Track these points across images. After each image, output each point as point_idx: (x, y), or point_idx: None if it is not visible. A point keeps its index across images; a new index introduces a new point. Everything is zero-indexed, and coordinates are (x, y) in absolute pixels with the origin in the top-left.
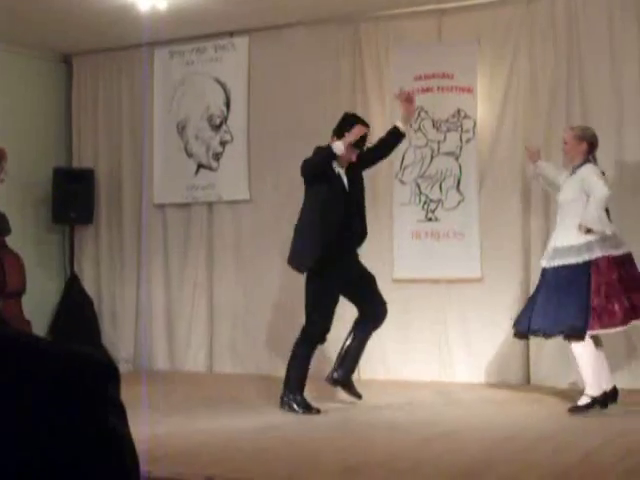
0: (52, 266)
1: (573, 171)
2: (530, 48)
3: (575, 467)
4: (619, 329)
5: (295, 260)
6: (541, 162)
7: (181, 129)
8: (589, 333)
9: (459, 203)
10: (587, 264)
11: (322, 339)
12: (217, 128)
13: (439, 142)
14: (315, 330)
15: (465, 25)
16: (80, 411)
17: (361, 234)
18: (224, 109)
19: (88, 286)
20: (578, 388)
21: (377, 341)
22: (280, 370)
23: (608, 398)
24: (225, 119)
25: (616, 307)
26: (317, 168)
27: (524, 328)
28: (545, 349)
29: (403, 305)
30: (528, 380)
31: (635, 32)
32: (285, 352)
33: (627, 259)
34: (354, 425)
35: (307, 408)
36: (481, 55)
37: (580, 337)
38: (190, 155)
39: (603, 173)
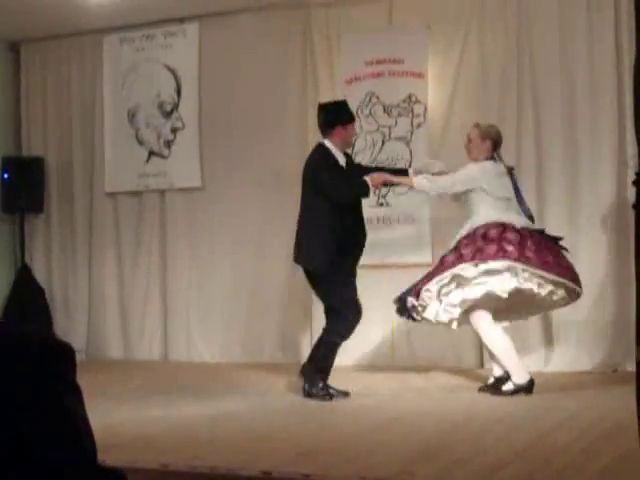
0: (2, 256)
1: None
2: (480, 33)
3: (530, 449)
4: None
5: (310, 262)
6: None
7: (132, 116)
8: None
9: (410, 188)
10: None
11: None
12: (168, 115)
13: (390, 127)
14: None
15: (416, 10)
16: (35, 391)
17: (365, 234)
18: (175, 96)
19: (39, 276)
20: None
21: None
22: (234, 357)
23: None
24: (176, 106)
25: None
26: (355, 199)
27: None
28: None
29: None
30: (481, 364)
31: (584, 17)
32: (239, 339)
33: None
34: (309, 411)
35: (338, 393)
36: (432, 40)
37: None
38: (141, 143)
39: (512, 169)
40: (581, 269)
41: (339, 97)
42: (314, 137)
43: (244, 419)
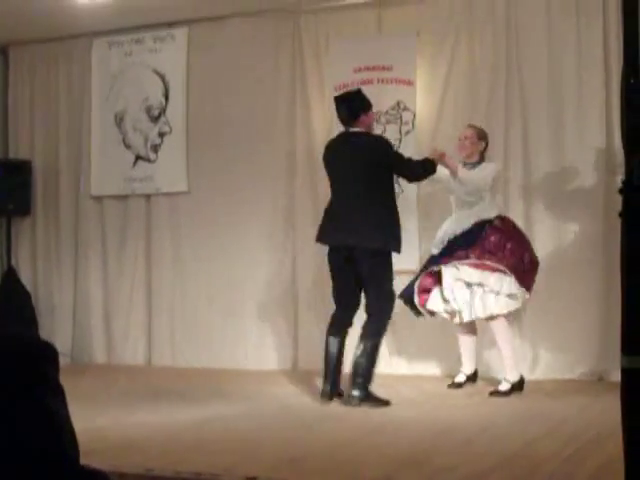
0: None
1: (472, 167)
2: (469, 40)
3: (516, 456)
4: None
5: (394, 244)
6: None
7: (119, 120)
8: None
9: (398, 195)
10: None
11: None
12: (155, 119)
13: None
14: (393, 306)
15: (404, 17)
16: (17, 390)
17: None
18: (163, 100)
19: (25, 279)
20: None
21: (318, 333)
22: (219, 362)
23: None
24: (164, 110)
25: None
26: (426, 177)
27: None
28: (484, 342)
29: None
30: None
31: (573, 22)
32: (224, 344)
33: None
34: (295, 416)
35: (383, 400)
36: (420, 47)
37: None
38: (128, 147)
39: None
40: (568, 275)
41: (327, 104)
42: (302, 142)
43: (230, 424)
